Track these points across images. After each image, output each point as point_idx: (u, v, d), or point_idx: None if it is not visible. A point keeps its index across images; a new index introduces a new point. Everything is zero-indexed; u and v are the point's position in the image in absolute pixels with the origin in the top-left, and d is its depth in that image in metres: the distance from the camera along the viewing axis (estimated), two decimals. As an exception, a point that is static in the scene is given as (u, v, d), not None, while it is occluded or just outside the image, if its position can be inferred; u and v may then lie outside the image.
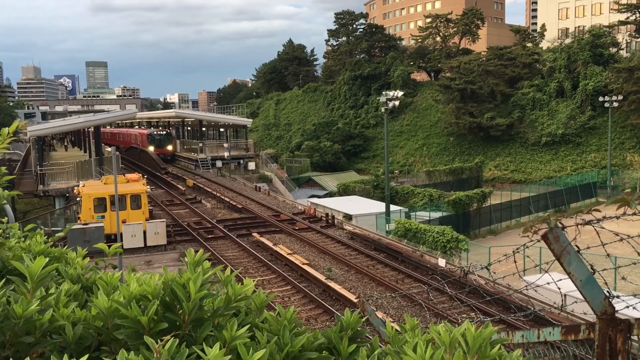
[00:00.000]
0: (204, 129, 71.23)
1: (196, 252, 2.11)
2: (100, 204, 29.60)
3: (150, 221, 30.38)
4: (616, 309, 2.28)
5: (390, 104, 41.27)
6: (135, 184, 31.64)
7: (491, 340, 1.65)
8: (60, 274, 2.44)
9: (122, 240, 25.54)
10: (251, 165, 57.59)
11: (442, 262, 25.09)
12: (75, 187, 32.47)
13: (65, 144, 77.82)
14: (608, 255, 2.39)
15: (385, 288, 22.32)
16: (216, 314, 1.88)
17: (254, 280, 2.11)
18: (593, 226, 2.19)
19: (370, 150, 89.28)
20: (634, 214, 2.03)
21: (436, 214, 40.66)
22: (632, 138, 66.43)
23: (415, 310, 19.49)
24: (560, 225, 2.20)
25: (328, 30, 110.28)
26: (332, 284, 22.21)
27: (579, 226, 2.22)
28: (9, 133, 2.69)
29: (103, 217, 29.11)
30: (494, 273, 3.11)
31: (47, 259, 2.01)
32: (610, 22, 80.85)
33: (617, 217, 2.11)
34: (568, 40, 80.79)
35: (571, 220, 2.29)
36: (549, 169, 69.13)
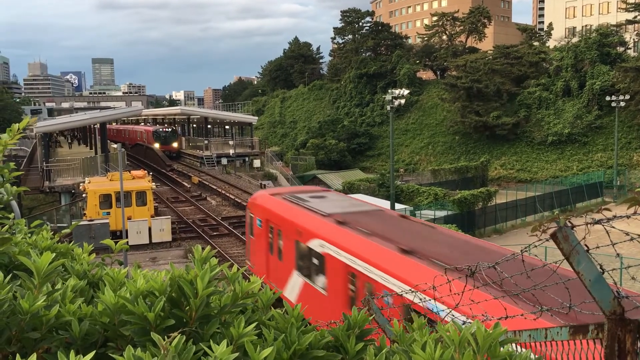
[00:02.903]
0: (209, 126, 71.33)
1: (202, 249, 2.10)
2: (105, 201, 29.72)
3: (156, 218, 30.47)
4: (625, 309, 2.26)
5: (396, 102, 41.19)
6: (141, 180, 31.75)
7: (501, 340, 1.63)
8: (66, 269, 2.44)
9: (127, 237, 25.61)
10: (256, 163, 57.67)
11: (447, 261, 25.01)
12: (81, 184, 32.60)
13: (69, 141, 78.02)
14: (618, 254, 2.37)
15: (390, 286, 22.26)
16: (223, 311, 1.87)
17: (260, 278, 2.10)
18: (603, 225, 2.17)
19: (375, 148, 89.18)
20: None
21: (441, 213, 40.58)
22: (638, 138, 66.13)
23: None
24: (569, 224, 2.19)
25: (334, 28, 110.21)
26: (337, 282, 22.14)
27: (589, 225, 2.20)
28: (19, 129, 2.69)
29: (108, 213, 29.22)
30: (502, 272, 3.09)
31: (54, 255, 2.01)
32: (618, 21, 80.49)
33: (628, 217, 2.09)
34: (575, 39, 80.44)
35: (580, 219, 2.27)
36: (555, 168, 68.91)
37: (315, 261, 16.12)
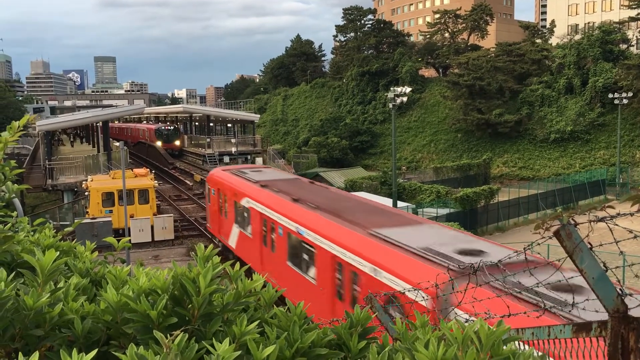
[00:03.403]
0: (211, 124, 71.33)
1: (205, 247, 2.10)
2: (108, 199, 29.76)
3: (158, 216, 30.52)
4: (629, 306, 2.25)
5: (398, 100, 41.16)
6: (143, 178, 31.77)
7: (504, 338, 1.63)
8: (69, 267, 2.44)
9: (129, 235, 25.64)
10: (258, 161, 57.66)
11: (449, 259, 24.99)
12: (84, 182, 32.63)
13: (71, 139, 78.02)
14: (621, 252, 2.36)
15: (392, 284, 22.40)
16: (226, 309, 1.87)
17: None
18: (607, 223, 2.17)
19: (377, 146, 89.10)
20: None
21: (443, 211, 40.54)
22: (641, 135, 65.99)
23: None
24: (572, 222, 2.18)
25: (336, 25, 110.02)
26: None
27: (592, 223, 2.20)
28: (19, 127, 2.69)
29: (111, 211, 29.26)
30: (505, 270, 3.08)
31: (57, 253, 2.01)
32: (621, 19, 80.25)
33: (632, 214, 2.08)
34: (578, 37, 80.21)
35: (584, 217, 2.26)
36: (557, 166, 68.79)
37: (245, 214, 21.87)
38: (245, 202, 21.60)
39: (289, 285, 17.10)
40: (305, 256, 16.47)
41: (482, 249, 11.99)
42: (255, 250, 20.82)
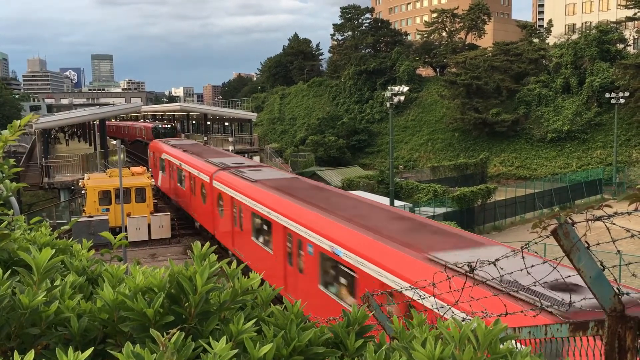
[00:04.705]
0: (208, 122, 71.30)
1: (202, 245, 2.09)
2: (105, 197, 29.71)
3: (155, 214, 30.48)
4: (625, 306, 2.25)
5: (396, 99, 41.18)
6: (140, 177, 31.75)
7: (501, 337, 1.63)
8: (65, 266, 2.43)
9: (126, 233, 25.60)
10: (255, 159, 57.59)
11: (446, 258, 25.01)
12: (81, 180, 32.57)
13: (66, 137, 77.68)
14: (619, 251, 2.37)
15: (389, 283, 22.54)
16: (222, 308, 1.86)
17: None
18: (604, 222, 2.16)
19: (375, 145, 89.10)
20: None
21: (440, 210, 40.57)
22: (638, 135, 66.07)
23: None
24: (570, 221, 2.18)
25: (333, 24, 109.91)
26: (336, 279, 22.41)
27: (589, 222, 2.19)
28: (20, 125, 2.68)
29: (108, 210, 29.21)
30: (502, 269, 3.09)
31: (53, 251, 2.00)
32: (618, 18, 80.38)
33: (629, 213, 2.08)
34: (575, 36, 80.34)
35: (581, 216, 2.26)
36: (554, 165, 68.88)
37: (163, 164, 36.67)
38: (163, 156, 36.48)
39: (179, 196, 32.85)
40: (184, 178, 30.61)
41: (244, 162, 28.40)
42: (167, 182, 35.97)
